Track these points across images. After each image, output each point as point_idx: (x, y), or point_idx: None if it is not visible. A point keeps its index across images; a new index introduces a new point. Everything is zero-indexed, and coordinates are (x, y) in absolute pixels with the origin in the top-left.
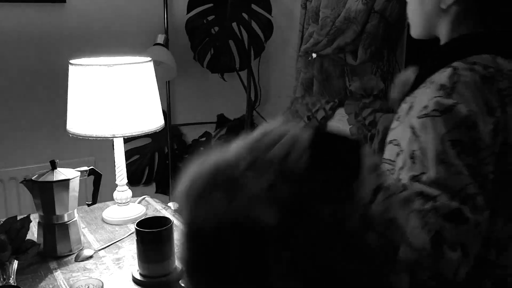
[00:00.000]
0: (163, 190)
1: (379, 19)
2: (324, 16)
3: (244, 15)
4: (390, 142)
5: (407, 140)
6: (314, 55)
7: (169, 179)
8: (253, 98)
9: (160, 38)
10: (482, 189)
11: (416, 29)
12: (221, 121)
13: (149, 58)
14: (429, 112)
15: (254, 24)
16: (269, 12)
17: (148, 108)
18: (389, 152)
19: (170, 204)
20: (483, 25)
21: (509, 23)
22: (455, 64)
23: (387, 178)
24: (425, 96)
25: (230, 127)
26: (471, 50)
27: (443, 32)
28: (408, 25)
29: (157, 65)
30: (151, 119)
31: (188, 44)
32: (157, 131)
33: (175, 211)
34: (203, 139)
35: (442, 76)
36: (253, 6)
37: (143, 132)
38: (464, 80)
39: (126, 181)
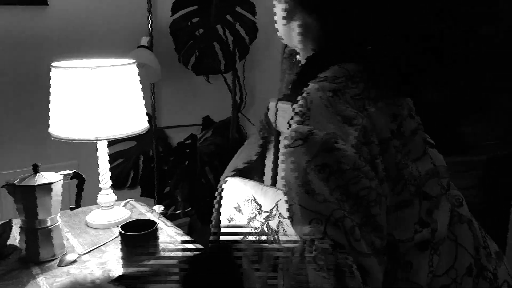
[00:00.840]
0: (149, 193)
1: None
2: None
3: (229, 17)
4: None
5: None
6: (298, 56)
7: (155, 182)
8: (238, 100)
9: (144, 40)
10: (356, 207)
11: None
12: (207, 123)
13: (132, 60)
14: (291, 143)
15: (238, 27)
16: (254, 14)
17: (132, 111)
18: None
19: (155, 207)
20: (325, 37)
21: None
22: (308, 86)
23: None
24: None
25: (215, 129)
26: (322, 66)
27: (300, 53)
28: None
29: (141, 67)
30: (135, 121)
31: (173, 46)
32: (141, 133)
33: (160, 213)
34: (189, 141)
35: (299, 102)
36: (238, 9)
37: (127, 134)
38: (315, 104)
39: (110, 184)
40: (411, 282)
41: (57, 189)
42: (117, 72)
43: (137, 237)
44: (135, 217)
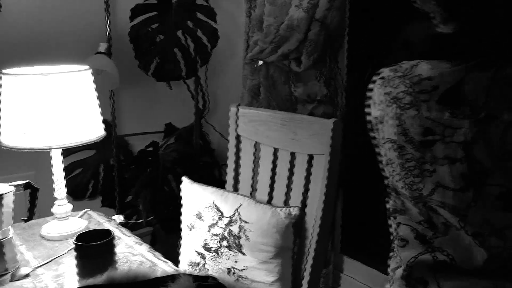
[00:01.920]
0: (110, 203)
1: (320, 27)
2: (268, 24)
3: (189, 23)
4: None
5: None
6: (260, 62)
7: (115, 191)
8: (201, 106)
9: (102, 47)
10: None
11: None
12: (169, 130)
13: (87, 66)
14: None
15: (199, 33)
16: (214, 20)
17: (87, 118)
18: None
19: (114, 217)
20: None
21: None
22: None
23: None
24: None
25: (178, 136)
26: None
27: None
28: (349, 33)
29: (99, 74)
30: (90, 129)
31: (132, 52)
32: (98, 141)
33: (120, 223)
34: (150, 149)
35: None
36: (198, 15)
37: (82, 142)
38: None
39: (66, 194)
40: None
41: (8, 201)
42: (70, 79)
43: (92, 248)
44: (93, 227)
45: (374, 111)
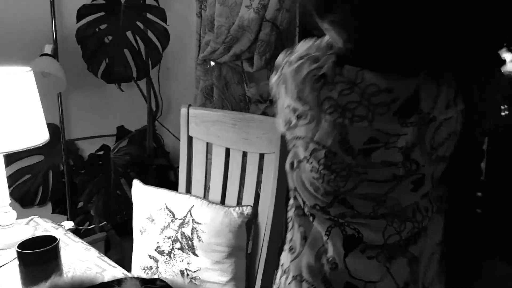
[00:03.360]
0: (61, 209)
1: (271, 27)
2: (219, 25)
3: (139, 24)
4: None
5: None
6: (212, 63)
7: (66, 197)
8: (154, 108)
9: (48, 48)
10: None
11: None
12: (121, 133)
13: (28, 68)
14: None
15: (150, 33)
16: (164, 20)
17: (30, 122)
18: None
19: (63, 223)
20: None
21: None
22: None
23: None
24: None
25: (131, 139)
26: None
27: None
28: (299, 32)
29: (45, 76)
30: (34, 133)
31: (80, 54)
32: (43, 146)
33: (69, 229)
34: (101, 152)
35: None
36: (148, 15)
37: (25, 147)
38: None
39: (9, 201)
40: None
41: None
42: (9, 82)
43: (35, 255)
44: (40, 234)
45: (299, 106)
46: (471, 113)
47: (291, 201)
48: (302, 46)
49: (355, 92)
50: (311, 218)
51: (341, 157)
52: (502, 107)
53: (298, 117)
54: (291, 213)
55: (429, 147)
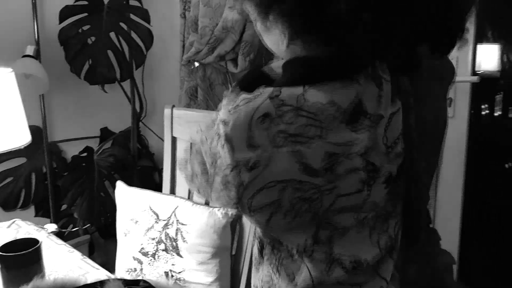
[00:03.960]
0: (44, 212)
1: (254, 28)
2: (203, 26)
3: (122, 24)
4: None
5: None
6: (196, 63)
7: (49, 200)
8: (138, 109)
9: (30, 50)
10: None
11: None
12: (105, 134)
13: (10, 70)
14: None
15: (133, 34)
16: (148, 21)
17: (11, 124)
18: None
19: (46, 226)
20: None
21: None
22: None
23: None
24: None
25: (115, 141)
26: None
27: None
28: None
29: (27, 78)
30: (15, 135)
31: (63, 55)
32: (24, 148)
33: (52, 232)
34: (84, 154)
35: None
36: (131, 16)
37: (6, 150)
38: None
39: None
40: None
41: None
42: None
43: (16, 258)
44: (21, 237)
45: (251, 155)
46: (405, 105)
47: (267, 255)
48: (225, 104)
49: (301, 116)
50: (305, 259)
51: (307, 183)
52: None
53: (252, 168)
54: (265, 268)
55: (384, 148)
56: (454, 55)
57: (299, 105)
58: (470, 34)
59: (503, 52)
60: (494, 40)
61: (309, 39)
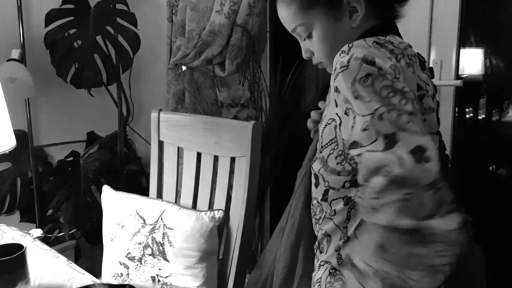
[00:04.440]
0: (30, 218)
1: (242, 32)
2: (190, 29)
3: (109, 28)
4: (325, 127)
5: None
6: (183, 67)
7: (35, 205)
8: (125, 113)
9: (15, 53)
10: (405, 100)
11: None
12: (92, 139)
13: None
14: (336, 74)
15: (120, 38)
16: (135, 25)
17: None
18: (326, 136)
19: (31, 231)
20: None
21: None
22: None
23: None
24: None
25: (102, 145)
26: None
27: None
28: (270, 37)
29: (12, 82)
30: None
31: (49, 59)
32: (9, 153)
33: (37, 237)
34: (70, 159)
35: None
36: (118, 20)
37: None
38: (357, 44)
39: None
40: None
41: None
42: None
43: (1, 264)
44: (5, 243)
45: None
46: None
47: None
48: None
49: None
50: None
51: None
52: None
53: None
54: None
55: (320, 143)
56: (438, 59)
57: (394, 44)
58: (454, 39)
59: (486, 56)
60: (477, 45)
61: (376, 14)
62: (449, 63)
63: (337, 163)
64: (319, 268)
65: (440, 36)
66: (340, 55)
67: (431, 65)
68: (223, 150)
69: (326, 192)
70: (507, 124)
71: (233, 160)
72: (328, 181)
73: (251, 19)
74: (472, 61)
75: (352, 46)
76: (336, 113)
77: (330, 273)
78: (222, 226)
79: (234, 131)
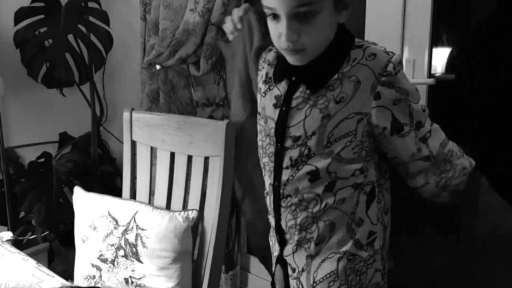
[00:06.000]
0: (1, 220)
1: (216, 31)
2: (164, 28)
3: (81, 27)
4: (340, 122)
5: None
6: (158, 66)
7: (6, 207)
8: (98, 113)
9: None
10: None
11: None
12: (64, 139)
13: None
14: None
15: (93, 37)
16: (107, 23)
17: None
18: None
19: (1, 234)
20: None
21: None
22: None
23: None
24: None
25: (74, 145)
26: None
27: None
28: None
29: None
30: None
31: (19, 58)
32: None
33: (7, 240)
34: (42, 160)
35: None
36: (90, 18)
37: None
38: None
39: None
40: None
41: None
42: None
43: None
44: None
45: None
46: None
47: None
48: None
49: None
50: None
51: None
52: None
53: None
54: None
55: (326, 138)
56: (411, 58)
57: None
58: (426, 38)
59: (457, 56)
60: (449, 44)
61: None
62: (421, 62)
63: (354, 153)
64: (322, 262)
65: (412, 35)
66: (385, 57)
67: (404, 63)
68: (196, 149)
69: (331, 184)
70: (479, 121)
71: (207, 159)
72: (335, 172)
73: (225, 17)
74: (444, 60)
75: (387, 50)
76: (383, 105)
77: (349, 259)
78: (196, 226)
79: (208, 130)
